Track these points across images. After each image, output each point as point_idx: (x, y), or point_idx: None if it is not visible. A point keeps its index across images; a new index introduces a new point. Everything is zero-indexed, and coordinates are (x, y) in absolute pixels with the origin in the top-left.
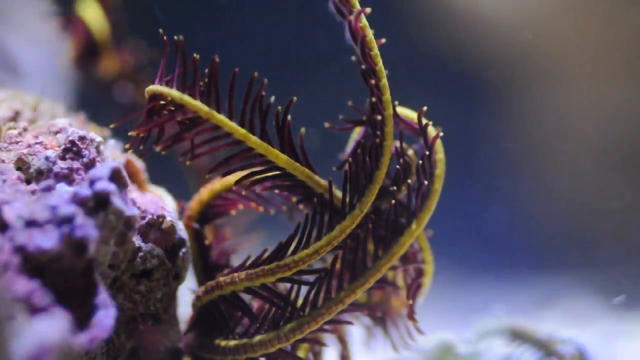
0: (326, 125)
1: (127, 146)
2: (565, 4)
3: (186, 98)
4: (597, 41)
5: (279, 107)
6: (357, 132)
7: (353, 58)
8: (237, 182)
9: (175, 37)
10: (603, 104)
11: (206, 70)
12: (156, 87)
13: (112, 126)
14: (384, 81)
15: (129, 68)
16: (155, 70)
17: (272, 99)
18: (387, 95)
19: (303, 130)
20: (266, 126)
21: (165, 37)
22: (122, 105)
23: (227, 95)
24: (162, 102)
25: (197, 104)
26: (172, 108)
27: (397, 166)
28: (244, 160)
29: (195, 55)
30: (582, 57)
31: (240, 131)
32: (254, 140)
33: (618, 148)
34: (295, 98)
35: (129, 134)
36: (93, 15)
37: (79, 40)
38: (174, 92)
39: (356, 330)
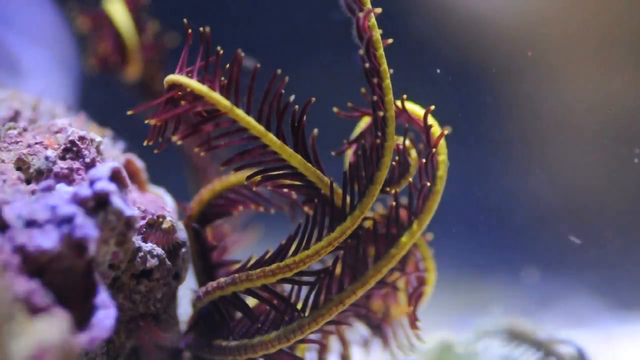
0: (334, 110)
1: (146, 141)
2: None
3: (209, 91)
4: (600, 34)
5: (297, 106)
6: (365, 121)
7: (361, 52)
8: (249, 177)
9: (201, 29)
10: (605, 99)
11: (227, 66)
12: (177, 77)
13: (129, 113)
14: (387, 82)
15: (153, 67)
16: (175, 62)
17: (292, 97)
18: (390, 96)
19: (315, 131)
20: (282, 124)
21: (189, 29)
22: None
23: (246, 90)
24: (179, 92)
25: (218, 97)
26: (191, 99)
27: (393, 162)
28: (257, 157)
29: (218, 48)
30: (584, 49)
31: (257, 127)
32: (270, 138)
33: (618, 148)
34: (313, 98)
35: (146, 122)
36: (120, 13)
37: (106, 40)
38: (195, 84)
39: (356, 332)
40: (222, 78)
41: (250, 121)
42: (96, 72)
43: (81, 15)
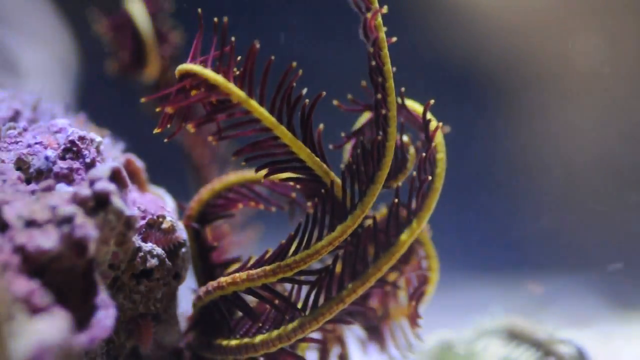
0: (335, 102)
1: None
2: (570, 6)
3: (224, 81)
4: (603, 44)
5: (307, 100)
6: (365, 117)
7: (371, 49)
8: (258, 169)
9: (216, 19)
10: (606, 105)
11: (239, 58)
12: (192, 67)
13: (142, 100)
14: (390, 82)
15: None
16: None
17: (305, 90)
18: (392, 97)
19: (321, 126)
20: (293, 117)
21: (202, 19)
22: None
23: (259, 81)
24: (191, 82)
25: (234, 87)
26: (205, 88)
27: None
28: (267, 149)
29: (232, 38)
30: (586, 60)
31: (270, 119)
32: (281, 130)
33: (618, 148)
34: (324, 93)
35: (157, 110)
36: (141, 14)
37: (127, 42)
38: (211, 73)
39: (354, 332)
40: (235, 69)
41: (263, 112)
42: (116, 74)
43: (102, 17)
